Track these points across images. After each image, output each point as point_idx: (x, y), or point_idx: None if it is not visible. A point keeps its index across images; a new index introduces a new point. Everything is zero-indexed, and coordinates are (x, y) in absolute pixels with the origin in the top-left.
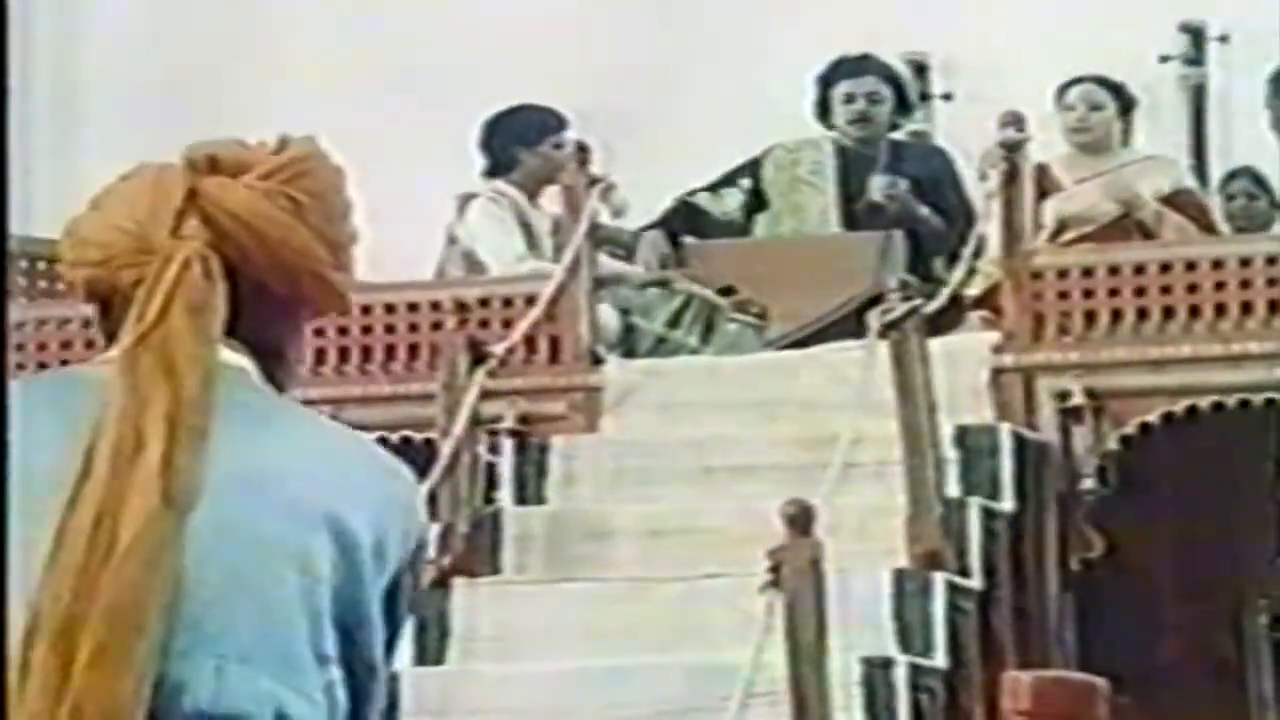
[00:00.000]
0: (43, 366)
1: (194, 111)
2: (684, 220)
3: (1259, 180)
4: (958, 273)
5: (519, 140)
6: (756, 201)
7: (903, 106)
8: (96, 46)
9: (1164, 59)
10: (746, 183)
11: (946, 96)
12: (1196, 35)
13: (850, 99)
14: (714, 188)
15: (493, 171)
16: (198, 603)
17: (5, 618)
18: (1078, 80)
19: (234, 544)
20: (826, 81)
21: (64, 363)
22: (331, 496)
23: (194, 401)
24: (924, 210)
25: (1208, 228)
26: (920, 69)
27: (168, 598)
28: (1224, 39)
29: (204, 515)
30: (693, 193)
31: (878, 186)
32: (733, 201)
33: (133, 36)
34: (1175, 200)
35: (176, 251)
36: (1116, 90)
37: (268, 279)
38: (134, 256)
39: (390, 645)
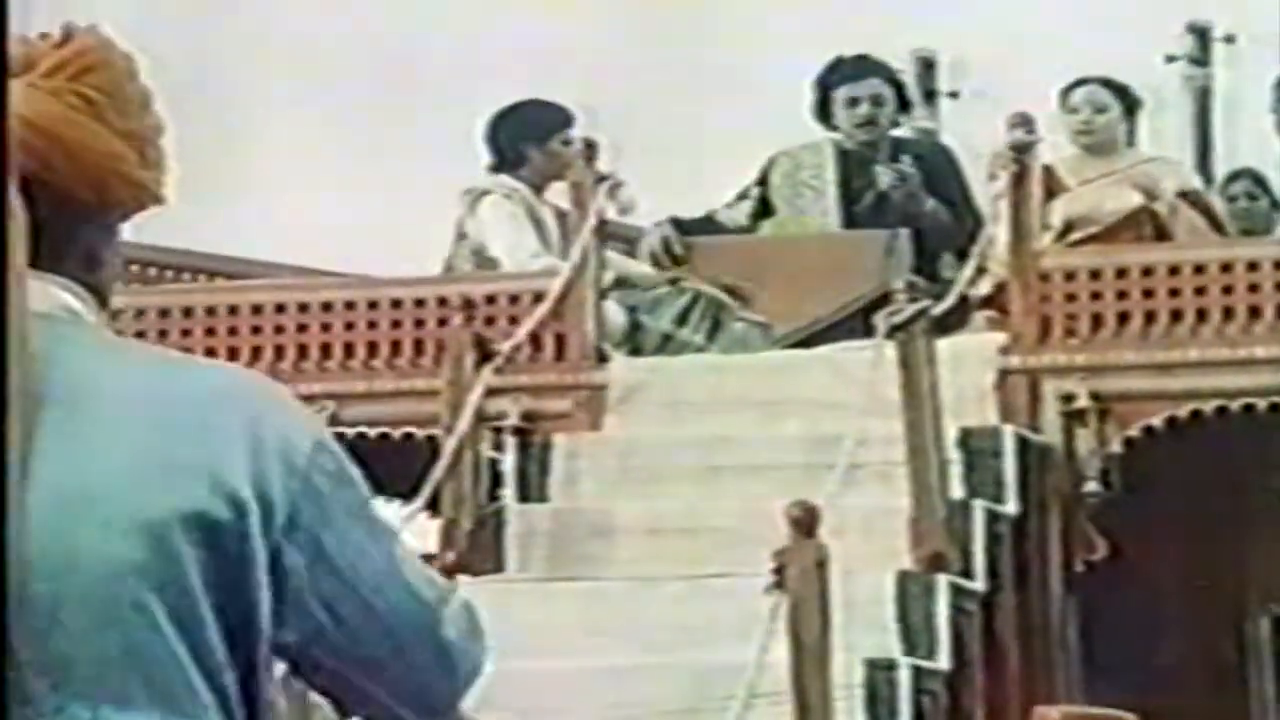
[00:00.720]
0: None
1: (192, 103)
2: (704, 231)
3: (1260, 181)
4: (965, 273)
5: (526, 136)
6: (764, 209)
7: (902, 105)
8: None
9: (1170, 59)
10: (756, 192)
11: (953, 94)
12: (1203, 36)
13: (854, 102)
14: (730, 204)
15: (499, 167)
16: (61, 648)
17: (4, 622)
18: (1081, 82)
19: (82, 577)
20: (825, 84)
21: None
22: (182, 486)
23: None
24: (930, 202)
25: (1215, 229)
26: (928, 65)
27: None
28: (1230, 40)
29: (49, 542)
30: (715, 210)
31: (885, 175)
32: (743, 212)
33: (136, 29)
34: (1182, 201)
35: None
36: (1121, 91)
37: (70, 185)
38: None
39: (339, 565)
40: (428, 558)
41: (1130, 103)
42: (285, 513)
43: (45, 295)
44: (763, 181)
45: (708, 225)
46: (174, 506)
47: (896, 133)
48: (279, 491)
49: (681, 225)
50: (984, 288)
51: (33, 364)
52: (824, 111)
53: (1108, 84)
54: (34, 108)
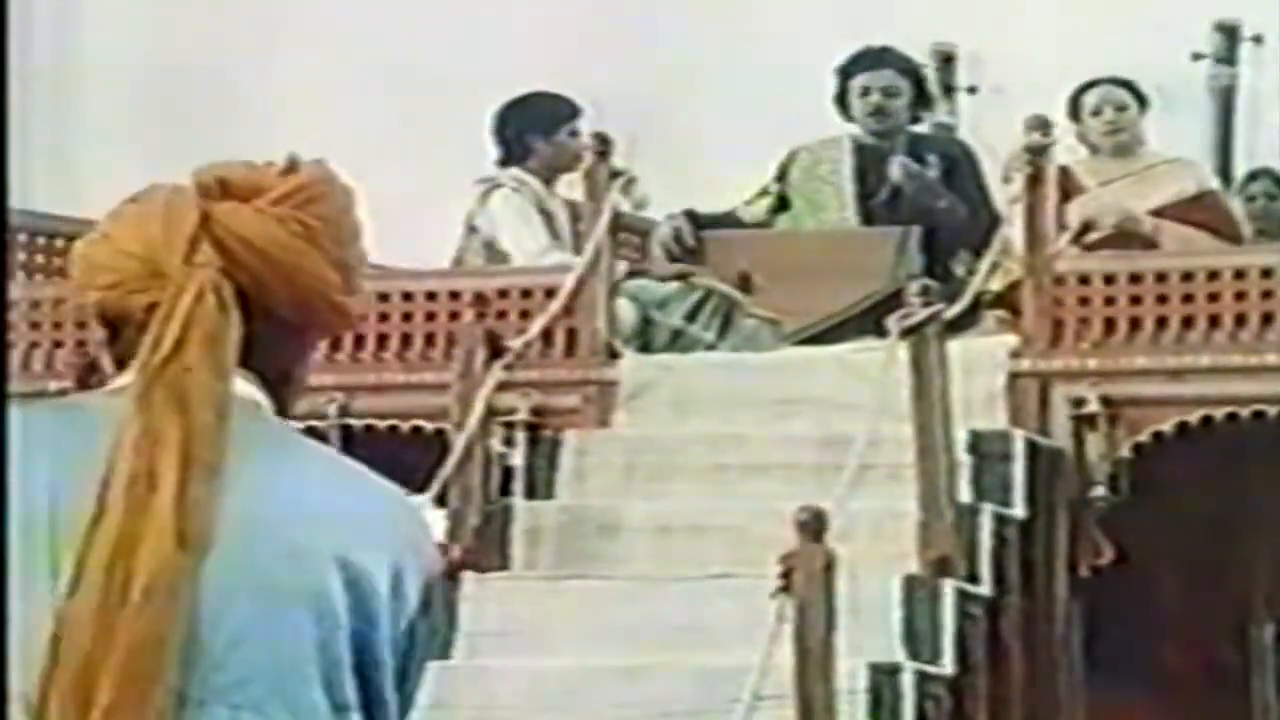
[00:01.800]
0: (34, 346)
1: (193, 93)
2: (721, 226)
3: (1279, 182)
4: (980, 275)
5: (534, 129)
6: (781, 204)
7: (922, 100)
8: (97, 25)
9: (1196, 57)
10: (775, 188)
11: (972, 89)
12: (1230, 34)
13: (866, 92)
14: (750, 200)
15: (506, 160)
16: (214, 650)
17: (5, 650)
18: (1092, 84)
19: (248, 590)
20: (846, 74)
21: (57, 344)
22: (343, 537)
23: (207, 437)
24: (945, 199)
25: (1232, 234)
26: (947, 60)
27: (183, 642)
28: (1258, 40)
29: (218, 560)
30: (735, 208)
31: (898, 168)
32: (762, 208)
33: (134, 18)
34: (1199, 203)
35: (191, 280)
36: (1131, 88)
37: (280, 305)
38: (145, 282)
39: (407, 689)
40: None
41: (1141, 100)
42: (408, 617)
43: (240, 392)
44: (782, 177)
45: (728, 221)
46: (342, 552)
47: (916, 129)
48: (409, 599)
49: (697, 219)
50: (996, 284)
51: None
52: (843, 102)
53: (1118, 82)
54: (258, 231)
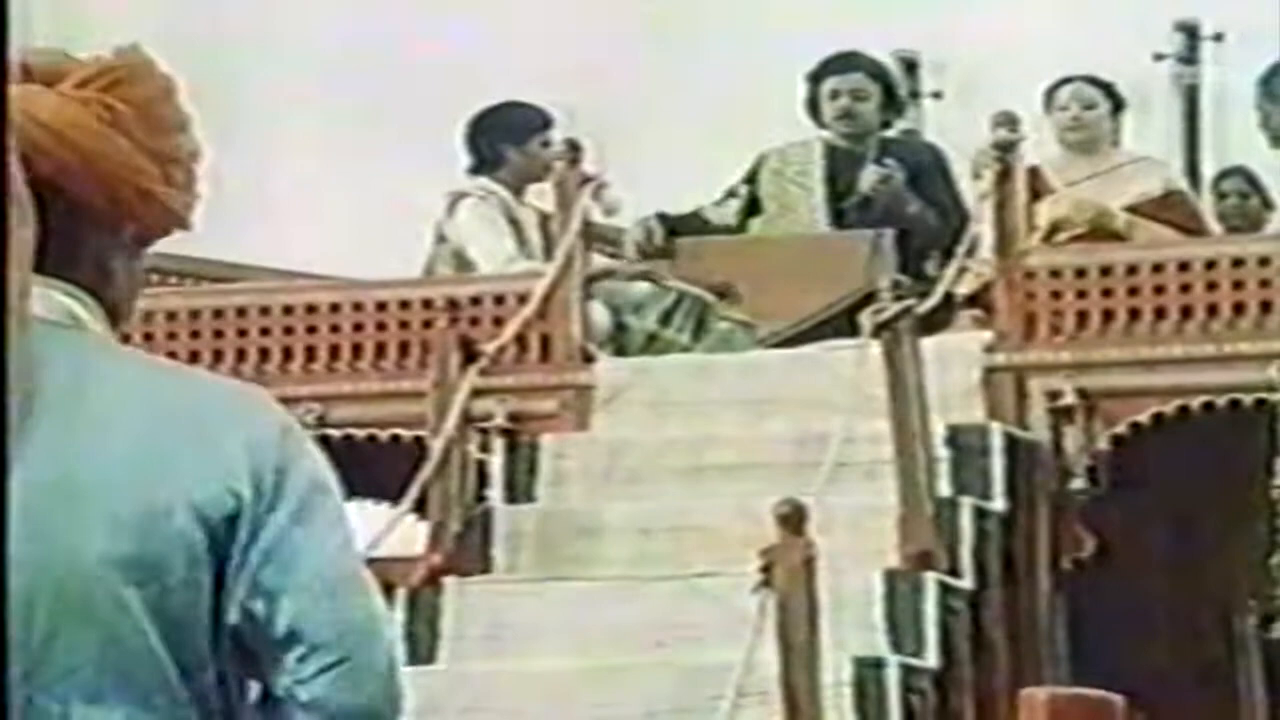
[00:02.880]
0: None
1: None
2: (691, 228)
3: (1251, 179)
4: (950, 272)
5: (506, 138)
6: (752, 207)
7: (893, 105)
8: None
9: (1159, 57)
10: (744, 190)
11: (936, 95)
12: (1191, 34)
13: (835, 95)
14: (718, 201)
15: (478, 169)
16: (34, 641)
17: (5, 619)
18: (1067, 80)
19: (63, 569)
20: (815, 78)
21: None
22: (166, 481)
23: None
24: (914, 205)
25: (1198, 230)
26: (910, 67)
27: None
28: (1219, 38)
29: (32, 533)
30: (702, 208)
31: (869, 177)
32: (730, 209)
33: (133, 27)
34: (1165, 202)
35: None
36: (1106, 89)
37: (85, 194)
38: None
39: (311, 565)
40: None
41: (1116, 101)
42: (267, 506)
43: (48, 301)
44: (751, 179)
45: (695, 221)
46: (164, 502)
47: (887, 134)
48: (269, 488)
49: (668, 221)
50: (965, 287)
51: (27, 366)
52: (813, 107)
53: (1093, 81)
54: (55, 113)
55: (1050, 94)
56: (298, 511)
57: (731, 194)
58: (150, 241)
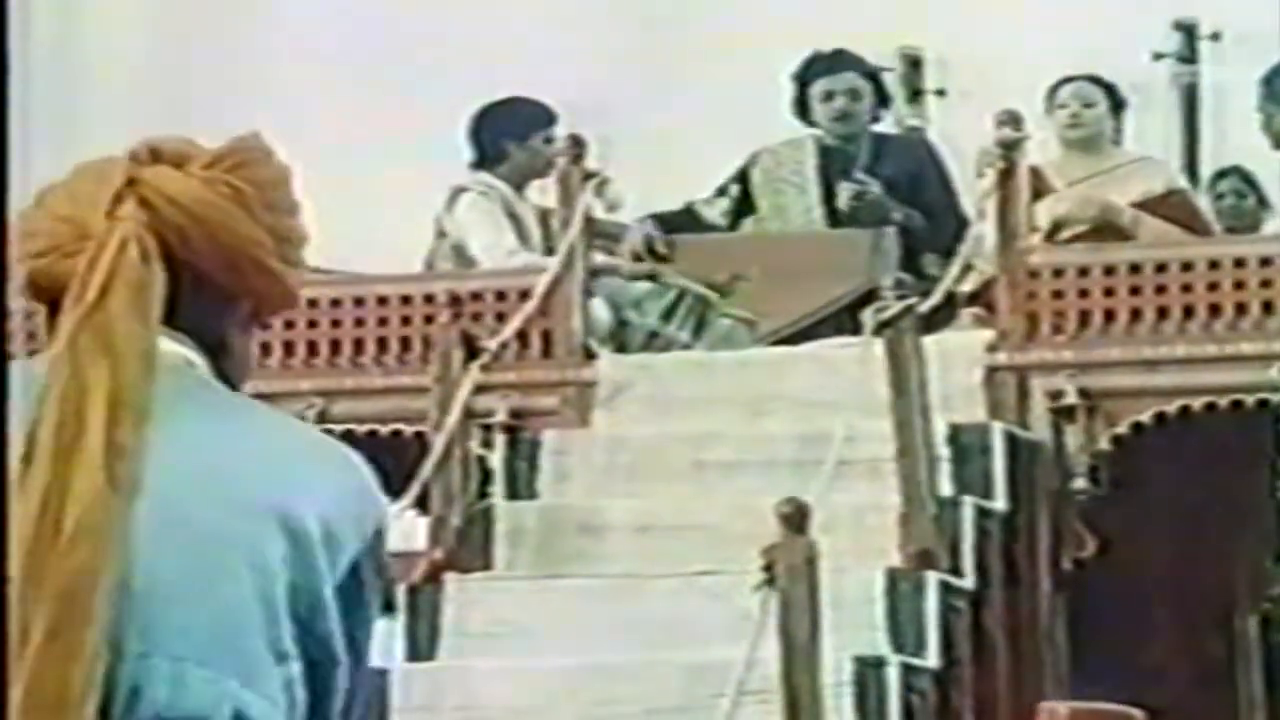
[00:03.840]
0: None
1: (193, 98)
2: (684, 223)
3: (1248, 179)
4: (953, 271)
5: (508, 133)
6: (745, 207)
7: (881, 100)
8: (96, 32)
9: (1157, 57)
10: (735, 189)
11: (940, 92)
12: (1189, 33)
13: (830, 96)
14: (710, 198)
15: (480, 163)
16: (153, 603)
17: (5, 619)
18: (1069, 79)
19: (186, 542)
20: (802, 80)
21: None
22: (279, 489)
23: (134, 382)
24: (899, 212)
25: (1200, 229)
26: (915, 63)
27: (116, 582)
28: (1216, 37)
29: (154, 513)
30: (693, 202)
31: (845, 195)
32: (721, 208)
33: (133, 26)
34: (1167, 201)
35: (112, 233)
36: (1108, 89)
37: (208, 266)
38: (76, 244)
39: (356, 637)
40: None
41: (1117, 101)
42: (348, 562)
43: (169, 350)
44: (742, 179)
45: (687, 218)
46: (280, 504)
47: (878, 129)
48: (346, 550)
49: (663, 220)
50: (969, 285)
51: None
52: (802, 107)
53: (1095, 80)
54: (184, 190)
55: (1052, 93)
56: (355, 588)
57: (722, 192)
58: (263, 319)
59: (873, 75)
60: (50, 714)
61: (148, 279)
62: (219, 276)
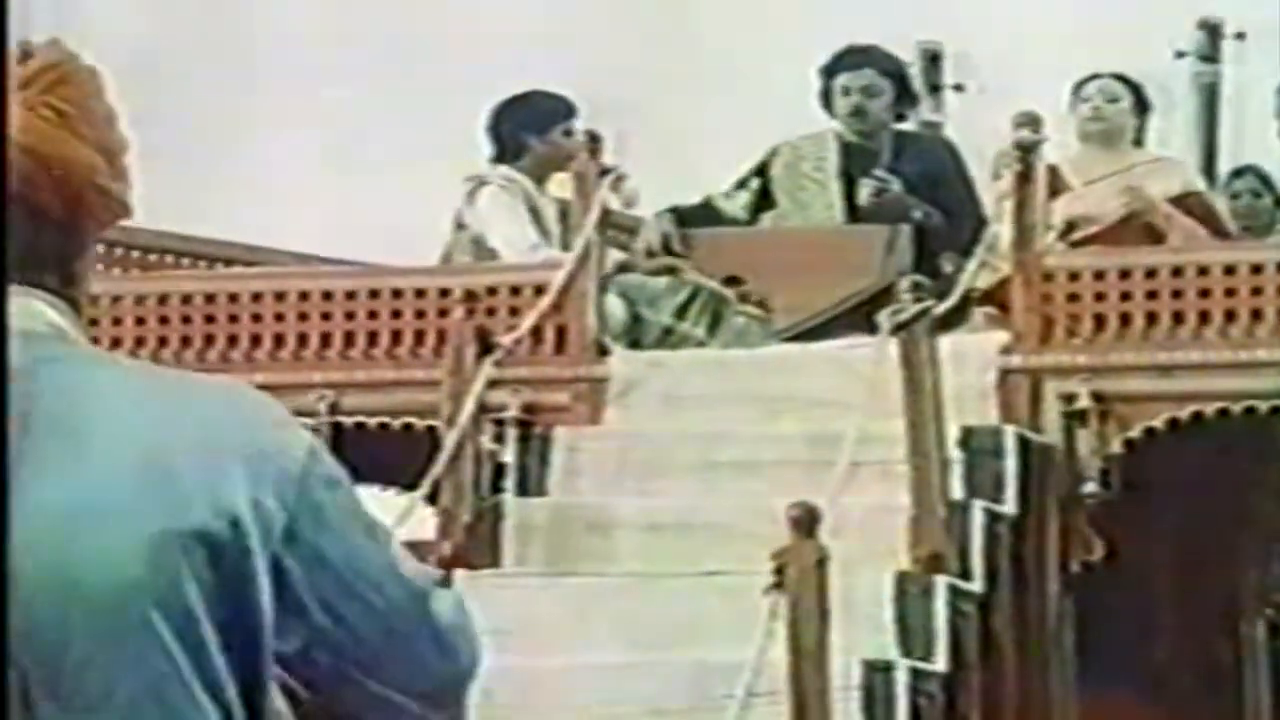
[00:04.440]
0: None
1: (192, 96)
2: (702, 217)
3: (1264, 179)
4: (968, 271)
5: (529, 127)
6: (765, 201)
7: (906, 98)
8: (95, 31)
9: (1179, 54)
10: (755, 183)
11: (958, 87)
12: (1213, 32)
13: (847, 92)
14: (729, 192)
15: (500, 157)
16: (66, 673)
17: (5, 620)
18: (1096, 75)
19: (88, 596)
20: (829, 73)
21: None
22: (177, 508)
23: None
24: (919, 210)
25: (1217, 231)
26: (934, 58)
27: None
28: (1240, 36)
29: (39, 570)
30: (712, 197)
31: (865, 191)
32: (740, 202)
33: (134, 24)
34: (1184, 202)
35: None
36: (1134, 88)
37: (45, 199)
38: None
39: (347, 584)
40: (422, 545)
41: (1142, 102)
42: (283, 524)
43: (29, 312)
44: (762, 172)
45: (705, 212)
46: (173, 526)
47: (902, 127)
48: (275, 504)
49: (680, 215)
50: (983, 282)
51: (15, 382)
52: (827, 101)
53: (1121, 79)
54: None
55: (1078, 87)
56: (316, 521)
57: (742, 185)
58: (98, 233)
59: (897, 74)
60: None
61: None
62: (56, 208)
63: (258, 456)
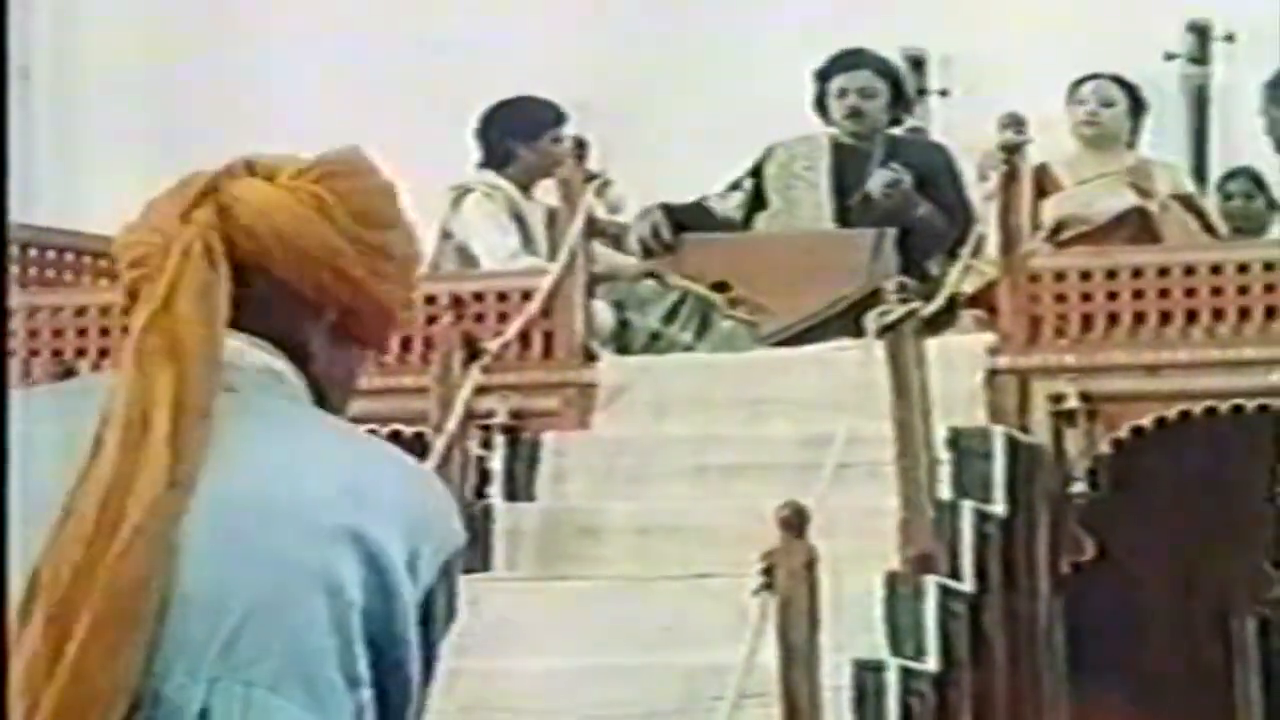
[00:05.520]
0: (34, 354)
1: (193, 97)
2: (695, 219)
3: (1257, 180)
4: (955, 273)
5: (517, 134)
6: (757, 202)
7: (901, 102)
8: (97, 33)
9: (1169, 57)
10: (749, 184)
11: (943, 93)
12: (1202, 34)
13: (843, 94)
14: (723, 193)
15: (487, 163)
16: (225, 628)
17: (5, 621)
18: (1092, 76)
19: (259, 567)
20: (823, 76)
21: (56, 352)
22: (357, 512)
23: (198, 382)
24: (923, 208)
25: (1207, 231)
26: (918, 64)
27: (171, 588)
28: (1230, 38)
29: (228, 537)
30: (706, 197)
31: (879, 182)
32: (734, 202)
33: (133, 28)
34: (1174, 203)
35: (181, 236)
36: (1130, 90)
37: (284, 272)
38: (161, 254)
39: (428, 661)
40: None
41: (1138, 103)
42: (425, 590)
43: (251, 355)
44: (756, 173)
45: (698, 212)
46: (351, 527)
47: (895, 131)
48: (427, 571)
49: (675, 214)
50: (969, 286)
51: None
52: (821, 104)
53: (1117, 81)
54: (263, 198)
55: (1074, 88)
56: (437, 609)
57: (736, 186)
58: (363, 337)
59: (893, 76)
60: (85, 707)
61: (212, 281)
62: (296, 283)
63: (427, 527)
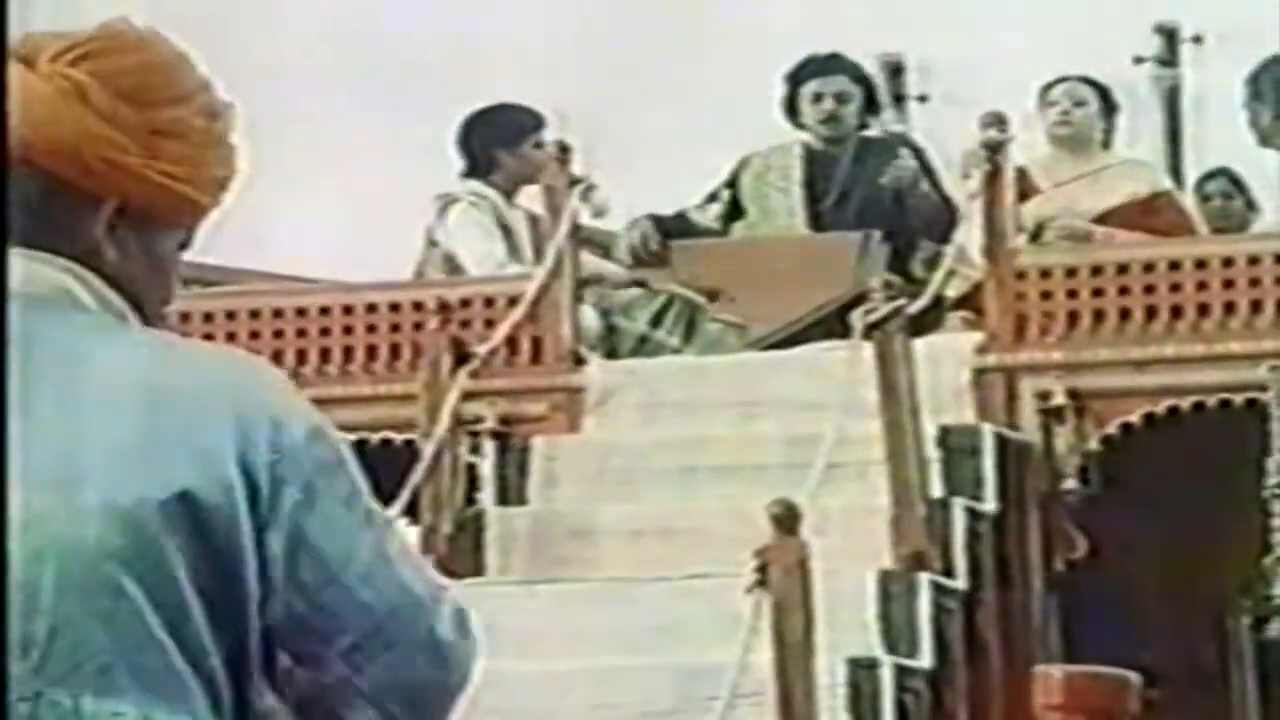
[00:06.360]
0: None
1: None
2: (677, 228)
3: (1235, 181)
4: (940, 273)
5: (498, 141)
6: (735, 211)
7: (871, 106)
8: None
9: (1138, 60)
10: (726, 194)
11: (922, 98)
12: (1170, 36)
13: (818, 98)
14: (701, 204)
15: (471, 172)
16: (38, 637)
17: (5, 621)
18: (1063, 79)
19: (64, 559)
20: (795, 80)
21: None
22: (160, 470)
23: None
24: (924, 184)
25: (1186, 231)
26: (896, 70)
27: None
28: (1198, 40)
29: (24, 529)
30: (685, 209)
31: (891, 172)
32: (713, 213)
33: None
34: (1153, 204)
35: None
36: (1101, 91)
37: (53, 166)
38: None
39: (309, 538)
40: None
41: (1109, 104)
42: (269, 497)
43: (37, 275)
44: (732, 183)
45: (680, 223)
46: (157, 491)
47: (866, 133)
48: (265, 476)
49: (659, 223)
50: (954, 290)
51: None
52: (792, 108)
53: (1088, 81)
54: (21, 86)
55: (1045, 91)
56: (305, 501)
57: (713, 197)
58: (160, 221)
59: (865, 81)
60: None
61: None
62: (69, 177)
63: (252, 426)
